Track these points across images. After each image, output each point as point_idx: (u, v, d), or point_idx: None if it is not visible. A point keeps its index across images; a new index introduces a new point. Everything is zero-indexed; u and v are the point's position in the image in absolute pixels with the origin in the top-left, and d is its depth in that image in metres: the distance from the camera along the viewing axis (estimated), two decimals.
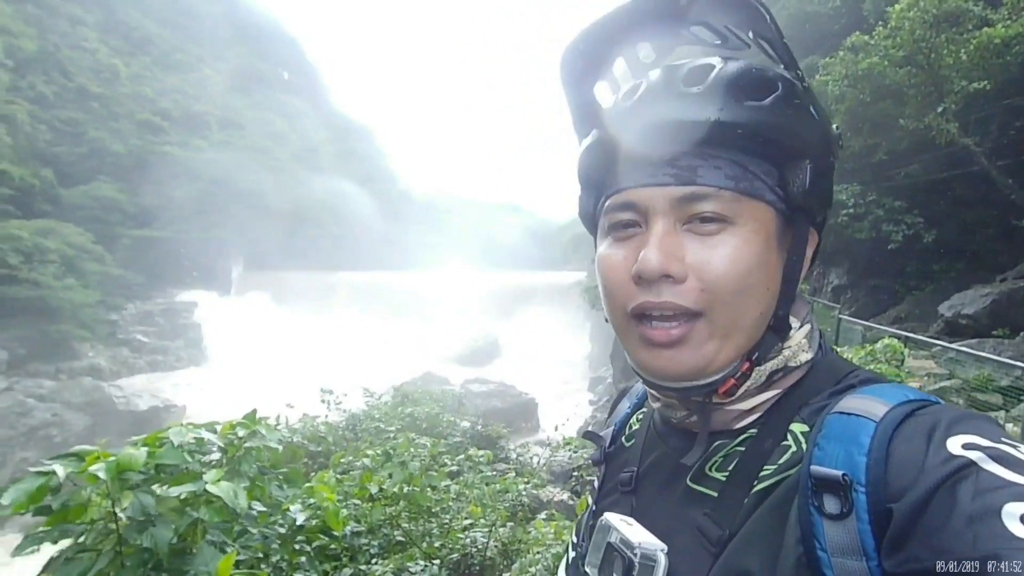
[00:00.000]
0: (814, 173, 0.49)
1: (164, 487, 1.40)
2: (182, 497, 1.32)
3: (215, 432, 1.54)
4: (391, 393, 8.45)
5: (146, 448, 1.42)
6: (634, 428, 0.68)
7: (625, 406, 0.73)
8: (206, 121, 54.25)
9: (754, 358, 0.52)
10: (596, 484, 0.68)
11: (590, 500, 0.74)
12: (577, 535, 0.74)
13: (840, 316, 11.22)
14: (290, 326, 32.88)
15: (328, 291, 37.39)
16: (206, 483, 1.38)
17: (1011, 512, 0.33)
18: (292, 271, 40.78)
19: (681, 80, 0.49)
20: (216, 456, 1.53)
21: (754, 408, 0.53)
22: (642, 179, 0.50)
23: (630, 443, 0.67)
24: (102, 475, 1.19)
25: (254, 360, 27.43)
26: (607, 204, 0.53)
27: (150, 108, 49.87)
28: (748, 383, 0.52)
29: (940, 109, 10.57)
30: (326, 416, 6.38)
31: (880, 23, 11.12)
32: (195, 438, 1.46)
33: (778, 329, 0.52)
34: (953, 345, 8.82)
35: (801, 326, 0.54)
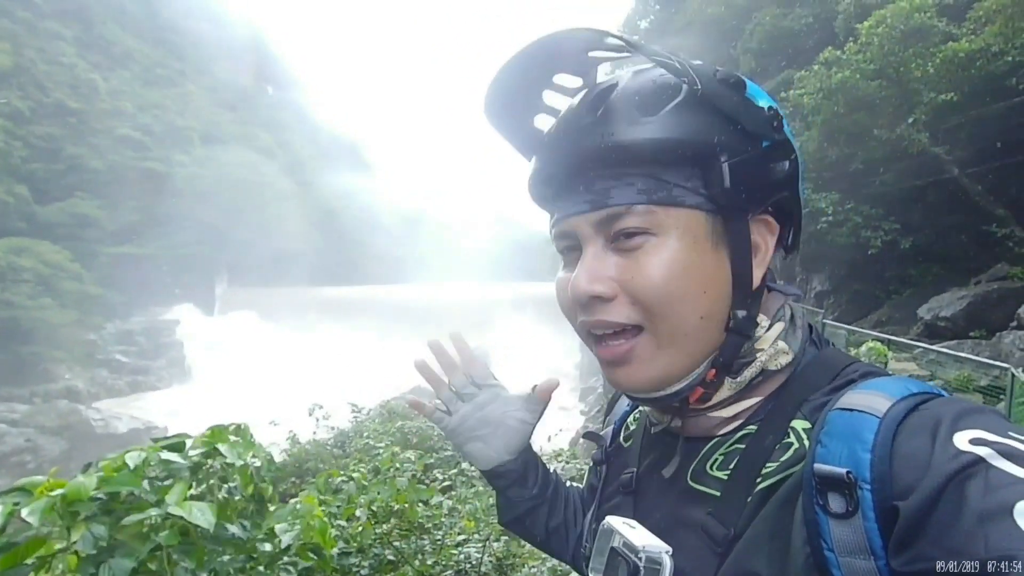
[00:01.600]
0: (736, 167, 0.48)
1: (117, 515, 1.34)
2: (149, 523, 1.27)
3: (181, 448, 1.48)
4: (379, 410, 8.36)
5: (97, 475, 1.35)
6: (631, 428, 0.68)
7: (623, 405, 0.72)
8: (189, 136, 53.75)
9: (720, 363, 0.51)
10: (598, 485, 0.67)
11: (586, 477, 0.77)
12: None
13: (824, 321, 11.42)
14: (276, 343, 32.40)
15: (315, 307, 37.02)
16: (169, 504, 1.32)
17: (1023, 511, 0.32)
18: (278, 287, 40.33)
19: (585, 107, 0.49)
20: (179, 479, 1.48)
21: (736, 415, 0.52)
22: (566, 209, 0.52)
23: (628, 443, 0.67)
24: (34, 515, 1.14)
25: (239, 378, 26.92)
26: (552, 232, 0.56)
27: (130, 123, 49.30)
28: (724, 391, 0.52)
29: (911, 120, 10.93)
30: (314, 433, 6.28)
31: (851, 39, 11.51)
32: (162, 460, 1.41)
33: (739, 331, 0.51)
34: (934, 347, 9.03)
35: (772, 324, 0.53)
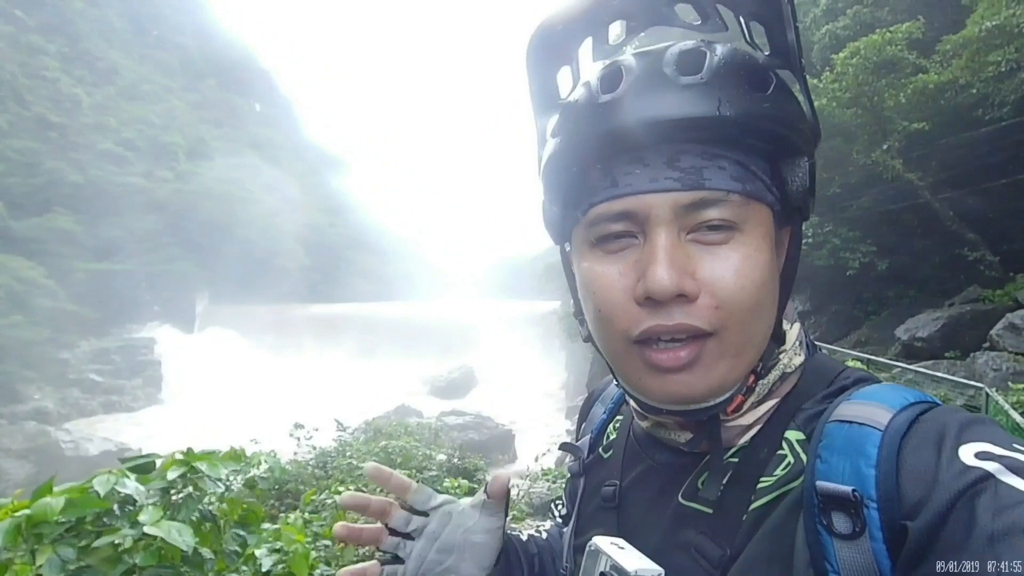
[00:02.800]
0: (812, 169, 0.46)
1: (86, 538, 1.29)
2: (122, 546, 1.22)
3: (150, 469, 1.43)
4: (363, 428, 8.21)
5: (64, 497, 1.30)
6: (612, 438, 0.62)
7: (599, 412, 0.67)
8: (173, 152, 53.31)
9: (759, 370, 0.48)
10: (576, 498, 0.62)
11: (555, 513, 0.69)
12: (549, 537, 0.70)
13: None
14: (257, 362, 31.75)
15: (298, 325, 36.46)
16: (143, 524, 1.27)
17: None
18: (260, 304, 39.67)
19: (675, 68, 0.42)
20: (151, 501, 1.43)
21: (755, 421, 0.49)
22: (640, 185, 0.43)
23: (608, 454, 0.62)
24: None
25: (218, 398, 26.24)
26: (594, 213, 0.46)
27: (113, 138, 48.80)
28: (752, 396, 0.49)
29: (885, 147, 11.34)
30: (295, 453, 6.13)
31: (827, 68, 11.97)
32: (126, 484, 1.35)
33: (778, 336, 0.48)
34: (912, 367, 9.21)
35: (791, 327, 0.51)
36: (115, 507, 1.34)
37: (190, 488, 1.48)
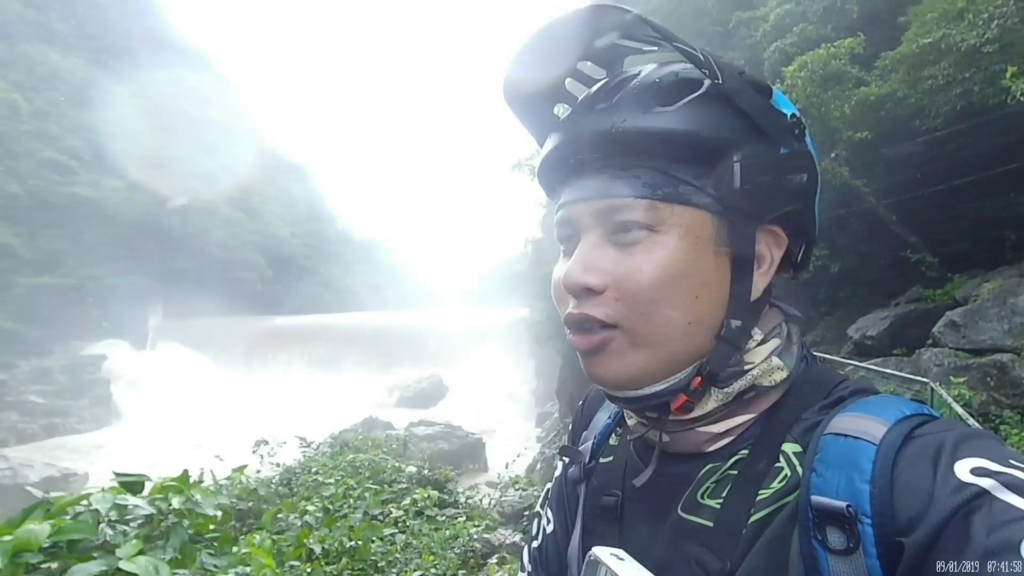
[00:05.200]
0: (748, 169, 0.47)
1: (64, 565, 1.23)
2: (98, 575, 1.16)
3: (142, 494, 1.38)
4: (329, 443, 7.98)
5: (49, 523, 1.24)
6: (613, 445, 0.62)
7: (603, 418, 0.66)
8: (122, 161, 50.88)
9: (707, 371, 0.48)
10: (578, 506, 0.61)
11: (541, 524, 0.67)
12: (531, 566, 0.66)
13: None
14: (216, 378, 30.44)
15: (260, 338, 35.17)
16: (119, 559, 1.22)
17: None
18: (219, 318, 38.11)
19: (602, 95, 0.49)
20: (137, 524, 1.36)
21: (728, 431, 0.50)
22: (570, 195, 0.50)
23: (608, 460, 0.61)
24: None
25: (174, 417, 25.00)
26: (555, 220, 0.54)
27: (55, 146, 46.20)
28: (710, 402, 0.49)
29: (833, 155, 11.95)
30: (258, 471, 5.89)
31: (778, 80, 12.56)
32: (117, 504, 1.29)
33: (730, 340, 0.49)
34: (863, 364, 9.68)
35: (767, 339, 0.51)
36: (103, 527, 1.27)
37: (179, 509, 1.43)
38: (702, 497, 0.48)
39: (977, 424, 5.91)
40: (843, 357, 10.65)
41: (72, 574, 1.18)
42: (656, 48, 0.48)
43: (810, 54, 11.66)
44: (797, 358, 0.52)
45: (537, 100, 0.53)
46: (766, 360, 0.50)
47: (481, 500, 6.39)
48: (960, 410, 6.34)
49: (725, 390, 0.49)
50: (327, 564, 2.62)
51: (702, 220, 0.47)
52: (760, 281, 0.50)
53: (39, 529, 1.18)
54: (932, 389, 7.21)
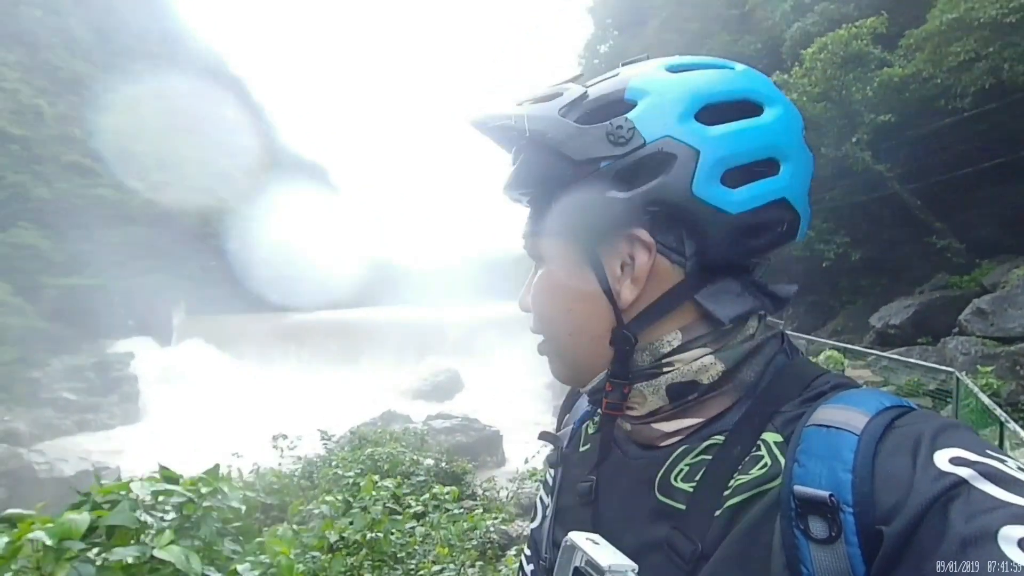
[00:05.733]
0: (564, 198, 0.52)
1: (104, 552, 1.28)
2: (127, 563, 1.21)
3: (177, 484, 1.43)
4: (348, 437, 8.10)
5: (89, 513, 1.30)
6: (591, 432, 0.64)
7: (584, 404, 0.69)
8: (143, 163, 51.96)
9: (610, 376, 0.53)
10: (552, 489, 0.64)
11: (539, 508, 0.70)
12: (530, 548, 0.69)
13: (784, 332, 11.86)
14: (238, 374, 31.10)
15: (280, 334, 35.79)
16: (153, 547, 1.28)
17: (1007, 536, 0.32)
18: (240, 315, 38.87)
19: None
20: (171, 516, 1.42)
21: (676, 431, 0.52)
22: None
23: (585, 447, 0.63)
24: (48, 541, 1.09)
25: (199, 412, 25.65)
26: None
27: (79, 150, 47.32)
28: (649, 402, 0.52)
29: (854, 139, 11.64)
30: (279, 464, 6.02)
31: (796, 63, 12.25)
32: (153, 492, 1.35)
33: (617, 344, 0.52)
34: (885, 354, 9.47)
35: (692, 339, 0.51)
36: (140, 513, 1.34)
37: (211, 504, 1.49)
38: (675, 480, 0.50)
39: (1005, 415, 5.74)
40: (865, 346, 10.42)
41: (111, 557, 1.24)
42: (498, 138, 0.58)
43: (830, 35, 11.33)
44: (763, 361, 0.52)
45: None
46: (699, 361, 0.50)
47: (499, 492, 6.44)
48: (987, 400, 6.15)
49: (656, 390, 0.51)
50: (348, 555, 2.68)
51: (566, 246, 0.54)
52: (632, 286, 0.51)
53: (80, 519, 1.24)
54: (958, 379, 7.02)
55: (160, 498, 1.45)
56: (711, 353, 0.51)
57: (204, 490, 1.53)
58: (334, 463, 5.90)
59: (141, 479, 1.39)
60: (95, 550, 1.23)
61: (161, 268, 41.87)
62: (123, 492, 1.36)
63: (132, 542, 1.31)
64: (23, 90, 48.26)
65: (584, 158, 0.50)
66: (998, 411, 5.78)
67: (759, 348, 0.52)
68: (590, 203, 0.50)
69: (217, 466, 1.63)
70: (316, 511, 3.46)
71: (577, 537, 0.49)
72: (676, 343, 0.51)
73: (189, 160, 58.02)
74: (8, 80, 47.52)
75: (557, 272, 0.55)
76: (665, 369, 0.51)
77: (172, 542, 1.32)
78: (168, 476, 1.53)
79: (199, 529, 1.47)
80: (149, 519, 1.37)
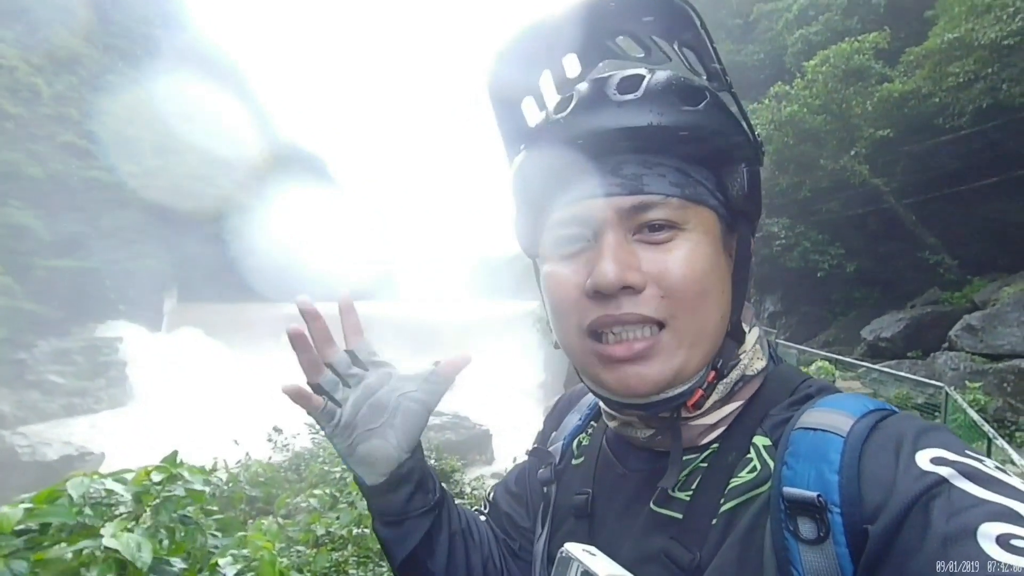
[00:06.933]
0: (752, 176, 0.49)
1: (60, 546, 1.24)
2: (81, 555, 1.18)
3: (124, 481, 1.39)
4: None
5: (23, 507, 1.25)
6: (584, 445, 0.63)
7: (574, 420, 0.67)
8: (139, 146, 51.49)
9: (718, 366, 0.50)
10: (548, 506, 0.62)
11: (539, 526, 0.69)
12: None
13: (777, 341, 11.91)
14: (228, 362, 30.94)
15: (272, 324, 35.59)
16: (102, 537, 1.23)
17: (987, 532, 0.32)
18: (233, 303, 38.63)
19: (615, 88, 0.47)
20: (123, 509, 1.38)
21: (719, 422, 0.50)
22: (587, 192, 0.48)
23: (579, 461, 0.62)
24: None
25: (188, 400, 25.49)
26: (552, 221, 0.51)
27: (75, 130, 46.85)
28: (714, 394, 0.50)
29: (853, 152, 11.72)
30: (269, 457, 5.98)
31: (798, 75, 12.31)
32: (105, 490, 1.31)
33: (735, 335, 0.51)
34: (876, 366, 9.54)
35: (749, 331, 0.53)
36: (86, 509, 1.29)
37: (170, 491, 1.44)
38: (672, 490, 0.49)
39: (993, 431, 5.80)
40: (856, 358, 10.50)
41: (52, 555, 1.19)
42: (643, 55, 0.49)
43: (833, 48, 11.39)
44: (769, 349, 0.54)
45: (519, 90, 0.51)
46: (752, 349, 0.52)
47: (487, 491, 6.44)
48: (975, 415, 6.22)
49: (725, 381, 0.51)
50: (333, 551, 2.66)
51: (714, 221, 0.49)
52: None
53: (11, 512, 1.18)
54: (947, 393, 7.09)
55: (112, 494, 1.38)
56: (759, 345, 0.53)
57: (156, 478, 1.46)
58: (322, 457, 5.87)
59: (84, 474, 1.34)
60: (32, 549, 1.19)
61: (154, 254, 41.54)
62: (62, 491, 1.30)
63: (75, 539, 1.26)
64: (21, 67, 47.70)
65: (758, 145, 0.50)
66: (986, 427, 5.84)
67: (766, 346, 0.55)
68: (758, 189, 0.50)
69: (175, 452, 1.56)
70: (303, 504, 3.44)
71: (573, 548, 0.48)
72: (754, 338, 0.53)
73: (186, 147, 57.51)
74: (6, 57, 46.94)
75: (712, 247, 0.48)
76: (741, 358, 0.52)
77: (128, 530, 1.27)
78: (114, 475, 1.46)
79: (158, 515, 1.42)
80: (92, 516, 1.31)
